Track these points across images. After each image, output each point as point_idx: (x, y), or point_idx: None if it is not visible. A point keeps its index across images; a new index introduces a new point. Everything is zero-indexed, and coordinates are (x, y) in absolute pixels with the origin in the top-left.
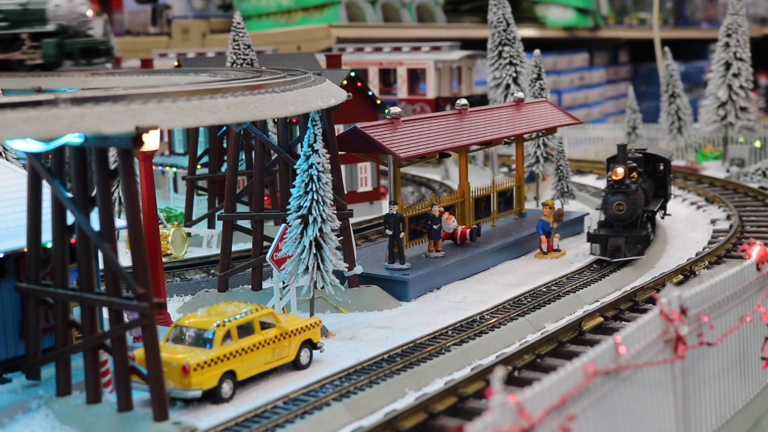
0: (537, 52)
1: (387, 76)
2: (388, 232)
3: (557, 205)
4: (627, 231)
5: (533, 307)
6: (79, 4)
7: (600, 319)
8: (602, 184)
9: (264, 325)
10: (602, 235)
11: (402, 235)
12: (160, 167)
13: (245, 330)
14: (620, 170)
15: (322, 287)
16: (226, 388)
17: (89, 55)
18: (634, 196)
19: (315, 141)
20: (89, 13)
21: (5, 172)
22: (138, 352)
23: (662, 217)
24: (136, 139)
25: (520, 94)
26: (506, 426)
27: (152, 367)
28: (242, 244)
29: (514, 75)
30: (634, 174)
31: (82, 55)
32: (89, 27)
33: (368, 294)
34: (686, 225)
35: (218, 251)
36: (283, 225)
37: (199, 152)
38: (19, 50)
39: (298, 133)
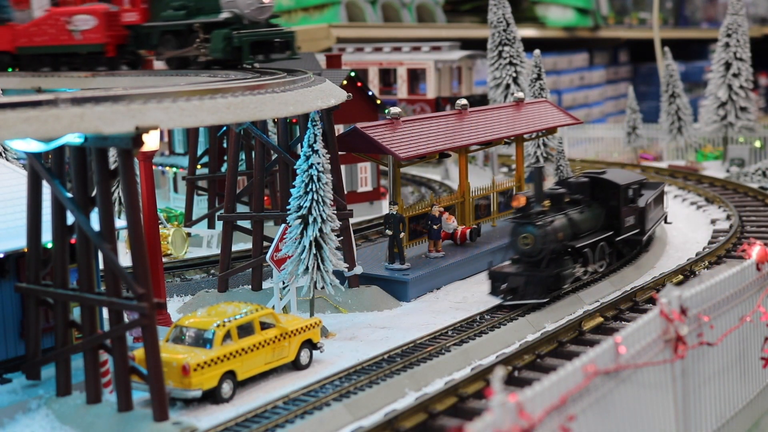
0: (537, 52)
1: (387, 76)
2: (388, 232)
3: None
4: (531, 269)
5: (533, 307)
6: None
7: (600, 319)
8: None
9: (264, 326)
10: (503, 272)
11: (402, 235)
12: (160, 167)
13: (245, 330)
14: (522, 197)
15: (322, 287)
16: (226, 388)
17: (263, 50)
18: (545, 229)
19: (315, 141)
20: None
21: (5, 172)
22: (138, 353)
23: (622, 253)
24: (136, 139)
25: (520, 94)
26: (506, 426)
27: (152, 367)
28: (242, 244)
29: (514, 75)
30: (547, 202)
31: (254, 50)
32: (269, 16)
33: (368, 294)
34: (686, 225)
35: (218, 251)
36: (283, 225)
37: (199, 152)
38: (192, 44)
39: (298, 133)
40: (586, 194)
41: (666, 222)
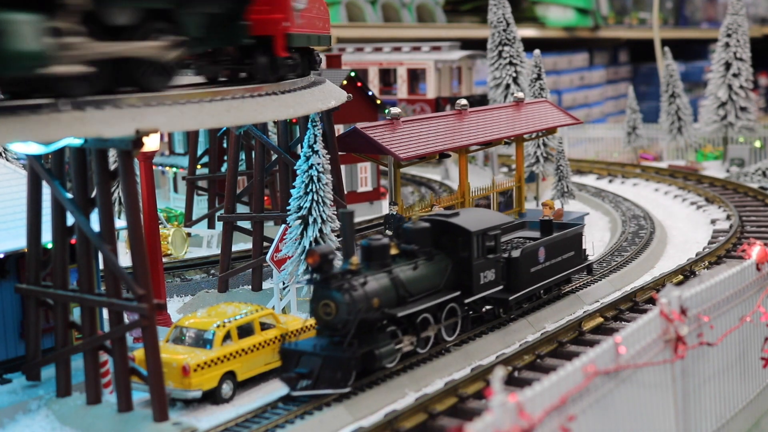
0: (537, 52)
1: (387, 76)
2: (388, 232)
3: (557, 205)
4: (333, 347)
5: (533, 307)
6: None
7: (600, 320)
8: (602, 184)
9: (264, 326)
10: (297, 350)
11: None
12: (160, 167)
13: (245, 331)
14: (315, 254)
15: None
16: (226, 388)
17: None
18: (352, 295)
19: (315, 142)
20: None
21: (5, 172)
22: (138, 353)
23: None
24: (136, 141)
25: (520, 94)
26: (506, 426)
27: (152, 368)
28: (242, 244)
29: (514, 75)
30: (354, 260)
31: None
32: None
33: None
34: (686, 225)
35: (218, 251)
36: (283, 226)
37: (199, 152)
38: None
39: (298, 134)
40: (427, 243)
41: (589, 273)
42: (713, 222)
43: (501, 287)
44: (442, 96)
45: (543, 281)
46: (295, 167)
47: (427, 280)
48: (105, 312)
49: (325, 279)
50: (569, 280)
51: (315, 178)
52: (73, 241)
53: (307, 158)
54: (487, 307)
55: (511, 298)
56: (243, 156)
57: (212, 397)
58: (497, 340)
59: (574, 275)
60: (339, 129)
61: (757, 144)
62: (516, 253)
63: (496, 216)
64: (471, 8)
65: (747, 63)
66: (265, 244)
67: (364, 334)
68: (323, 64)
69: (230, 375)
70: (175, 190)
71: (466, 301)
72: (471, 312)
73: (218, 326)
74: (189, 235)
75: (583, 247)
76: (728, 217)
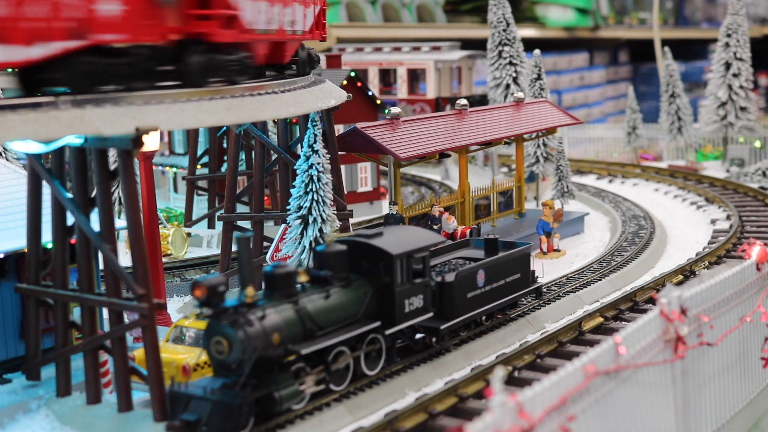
0: (537, 52)
1: (387, 76)
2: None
3: (557, 205)
4: (225, 390)
5: (533, 307)
6: None
7: (600, 319)
8: (602, 184)
9: None
10: (184, 393)
11: None
12: (160, 167)
13: None
14: (203, 286)
15: None
16: None
17: None
18: (246, 330)
19: (315, 141)
20: None
21: (5, 172)
22: (138, 353)
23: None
24: (136, 140)
25: (520, 94)
26: (506, 426)
27: (152, 368)
28: None
29: (514, 75)
30: (250, 291)
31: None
32: None
33: None
34: (686, 225)
35: (218, 251)
36: (283, 225)
37: (199, 152)
38: None
39: (298, 134)
40: (344, 268)
41: (538, 296)
42: (713, 222)
43: (431, 315)
44: (442, 96)
45: (482, 307)
46: (295, 167)
47: (342, 309)
48: (105, 312)
49: (217, 313)
50: (516, 304)
51: (315, 178)
52: (73, 241)
53: (307, 158)
54: (419, 335)
55: (443, 327)
56: (243, 156)
57: None
58: (497, 340)
59: (521, 299)
60: (339, 129)
61: (757, 144)
62: (450, 277)
63: (425, 236)
64: (471, 8)
65: (747, 63)
66: (265, 244)
67: (263, 374)
68: (323, 64)
69: None
70: (175, 190)
71: (388, 332)
72: (399, 341)
73: None
74: (189, 235)
75: (532, 269)
76: (728, 217)
